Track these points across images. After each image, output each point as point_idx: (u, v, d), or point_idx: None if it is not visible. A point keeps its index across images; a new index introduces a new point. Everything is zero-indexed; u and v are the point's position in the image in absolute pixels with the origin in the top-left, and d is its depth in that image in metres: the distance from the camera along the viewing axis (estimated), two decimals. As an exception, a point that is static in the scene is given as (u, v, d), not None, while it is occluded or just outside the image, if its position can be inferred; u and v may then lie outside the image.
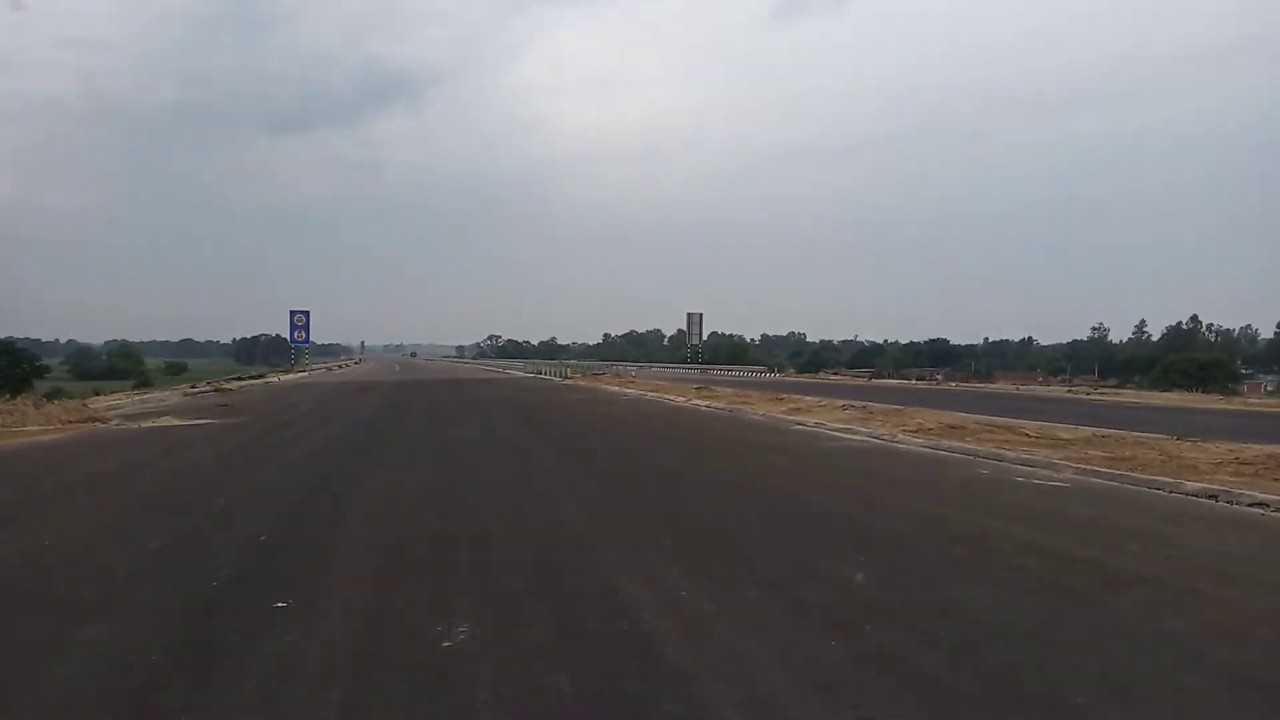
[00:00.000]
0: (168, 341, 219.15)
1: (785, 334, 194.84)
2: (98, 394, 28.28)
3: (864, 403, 17.71)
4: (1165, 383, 77.64)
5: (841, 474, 9.49)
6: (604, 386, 31.92)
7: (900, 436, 12.11)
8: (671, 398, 23.25)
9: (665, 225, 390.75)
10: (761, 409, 18.21)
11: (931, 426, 12.65)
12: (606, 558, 5.45)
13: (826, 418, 15.53)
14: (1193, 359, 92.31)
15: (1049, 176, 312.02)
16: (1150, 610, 4.37)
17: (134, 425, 16.14)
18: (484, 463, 10.29)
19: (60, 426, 15.98)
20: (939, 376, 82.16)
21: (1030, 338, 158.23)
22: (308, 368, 59.51)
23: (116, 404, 22.66)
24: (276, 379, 44.29)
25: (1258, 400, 35.57)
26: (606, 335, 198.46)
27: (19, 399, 17.37)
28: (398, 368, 76.36)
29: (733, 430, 14.40)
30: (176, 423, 16.57)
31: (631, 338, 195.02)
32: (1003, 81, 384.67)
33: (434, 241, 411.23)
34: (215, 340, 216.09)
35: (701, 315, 73.19)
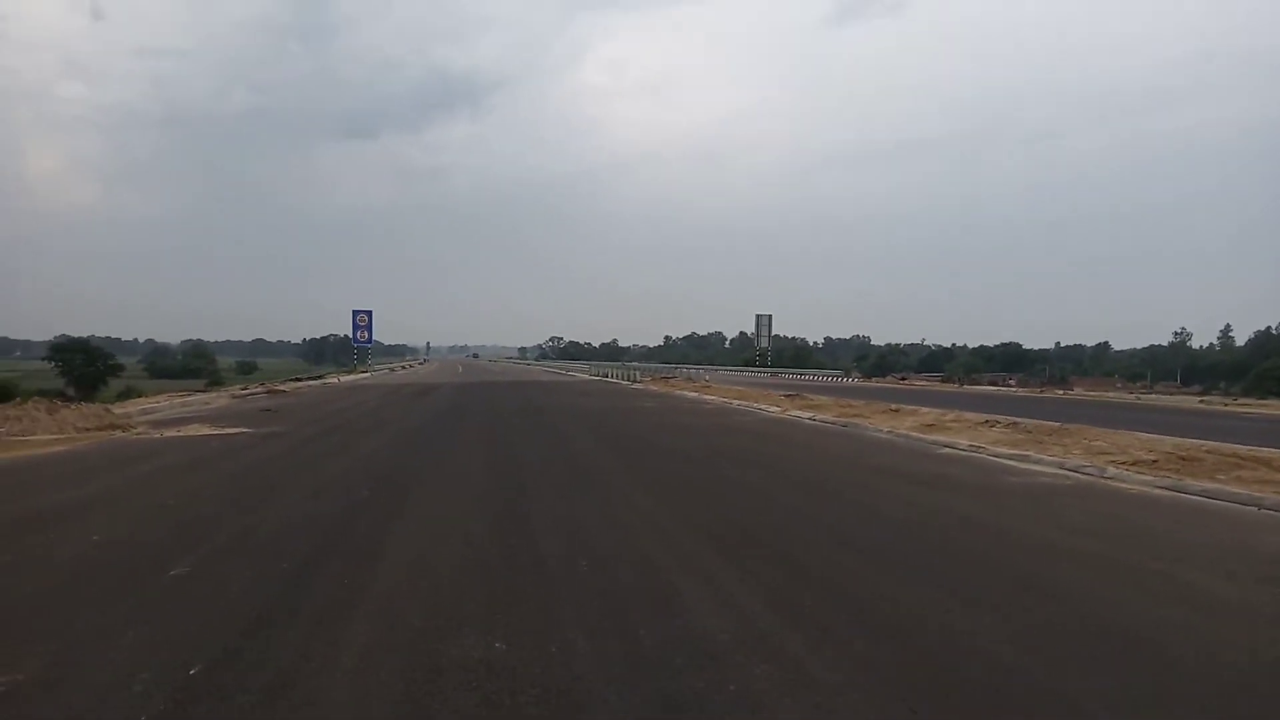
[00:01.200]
0: (240, 341, 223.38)
1: (849, 337, 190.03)
2: (140, 395, 26.24)
3: (1008, 418, 14.45)
4: (1260, 390, 72.35)
5: (1108, 542, 5.96)
6: (677, 391, 28.94)
7: (1112, 471, 8.87)
8: (762, 406, 20.18)
9: (726, 227, 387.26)
10: (881, 423, 15.07)
11: (1149, 457, 9.34)
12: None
13: (974, 438, 12.32)
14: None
15: (1124, 177, 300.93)
16: None
17: (157, 434, 14.03)
18: (559, 508, 7.28)
19: (74, 435, 13.79)
20: (1012, 382, 77.87)
21: (1105, 342, 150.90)
22: (370, 368, 57.64)
23: (154, 406, 20.52)
24: (336, 379, 42.41)
25: None
26: (667, 338, 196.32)
27: (30, 403, 15.05)
28: (460, 369, 74.42)
29: (865, 454, 11.25)
30: (206, 431, 14.41)
31: (693, 340, 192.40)
32: (1072, 81, 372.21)
33: (496, 245, 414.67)
34: (286, 340, 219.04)
35: (771, 317, 69.48)
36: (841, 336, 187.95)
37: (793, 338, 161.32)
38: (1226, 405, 29.17)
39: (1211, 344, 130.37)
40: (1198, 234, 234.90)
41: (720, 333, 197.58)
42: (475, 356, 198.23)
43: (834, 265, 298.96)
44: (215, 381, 62.92)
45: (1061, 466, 9.45)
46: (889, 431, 13.83)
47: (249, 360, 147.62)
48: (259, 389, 28.84)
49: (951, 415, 15.34)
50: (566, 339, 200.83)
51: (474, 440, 13.26)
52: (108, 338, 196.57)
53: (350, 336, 60.36)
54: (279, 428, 14.81)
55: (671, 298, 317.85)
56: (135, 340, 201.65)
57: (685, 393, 28.17)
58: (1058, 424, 13.63)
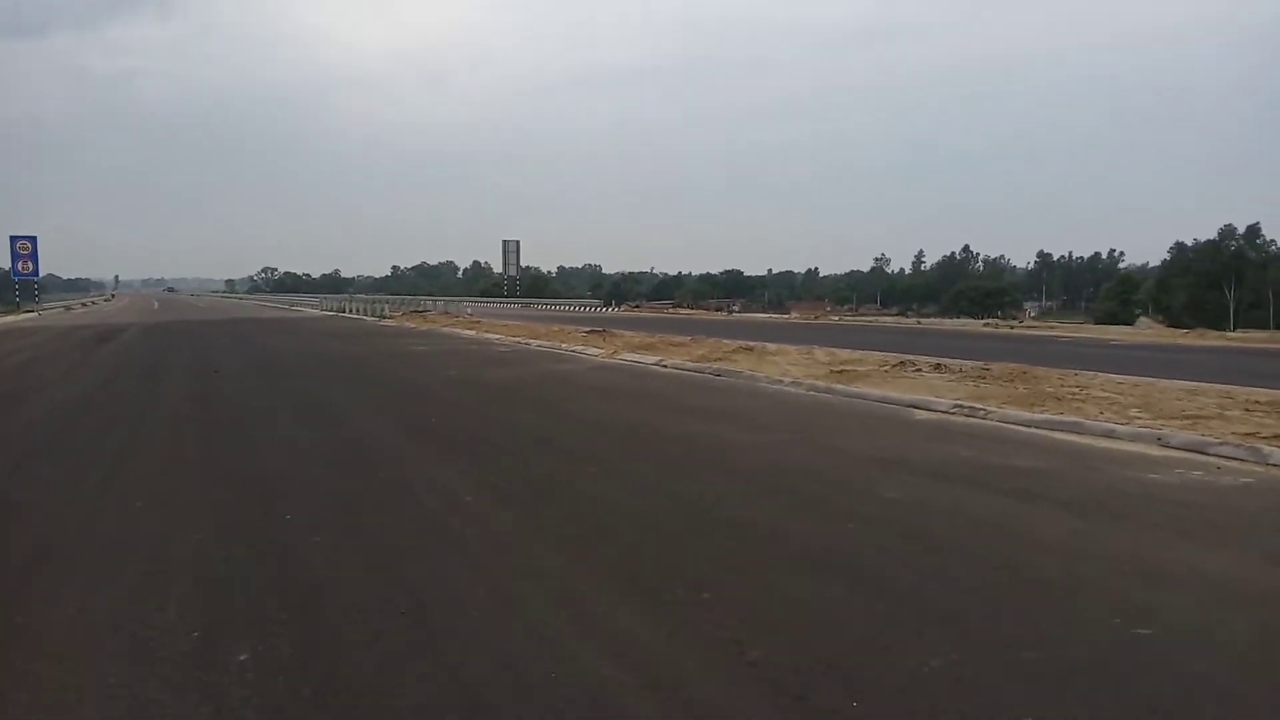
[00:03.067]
0: None
1: (580, 266, 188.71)
2: None
3: (899, 355, 11.33)
4: (955, 311, 79.47)
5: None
6: (444, 329, 23.76)
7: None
8: (576, 349, 15.72)
9: (453, 150, 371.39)
10: (764, 369, 11.34)
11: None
12: None
13: (936, 390, 8.94)
14: (979, 287, 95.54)
15: (838, 107, 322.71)
16: None
17: None
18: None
19: None
20: (735, 307, 79.46)
21: (815, 268, 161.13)
22: (37, 307, 45.78)
23: None
24: (-16, 323, 32.39)
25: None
26: (395, 268, 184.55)
27: None
28: (156, 305, 62.30)
29: (840, 433, 7.47)
30: None
31: (423, 270, 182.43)
32: (776, 18, 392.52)
33: (197, 165, 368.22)
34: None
35: (519, 243, 64.14)
36: (574, 266, 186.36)
37: (525, 266, 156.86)
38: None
39: (902, 269, 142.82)
40: (890, 166, 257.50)
41: (452, 262, 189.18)
42: (172, 290, 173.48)
43: (559, 194, 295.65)
44: None
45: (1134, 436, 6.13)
46: (794, 384, 10.06)
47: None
48: None
49: (846, 354, 12.04)
50: (282, 270, 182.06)
51: (182, 433, 7.81)
52: None
53: (10, 269, 47.95)
54: None
55: (397, 224, 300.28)
56: None
57: (457, 330, 23.05)
58: (982, 363, 10.64)
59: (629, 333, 18.70)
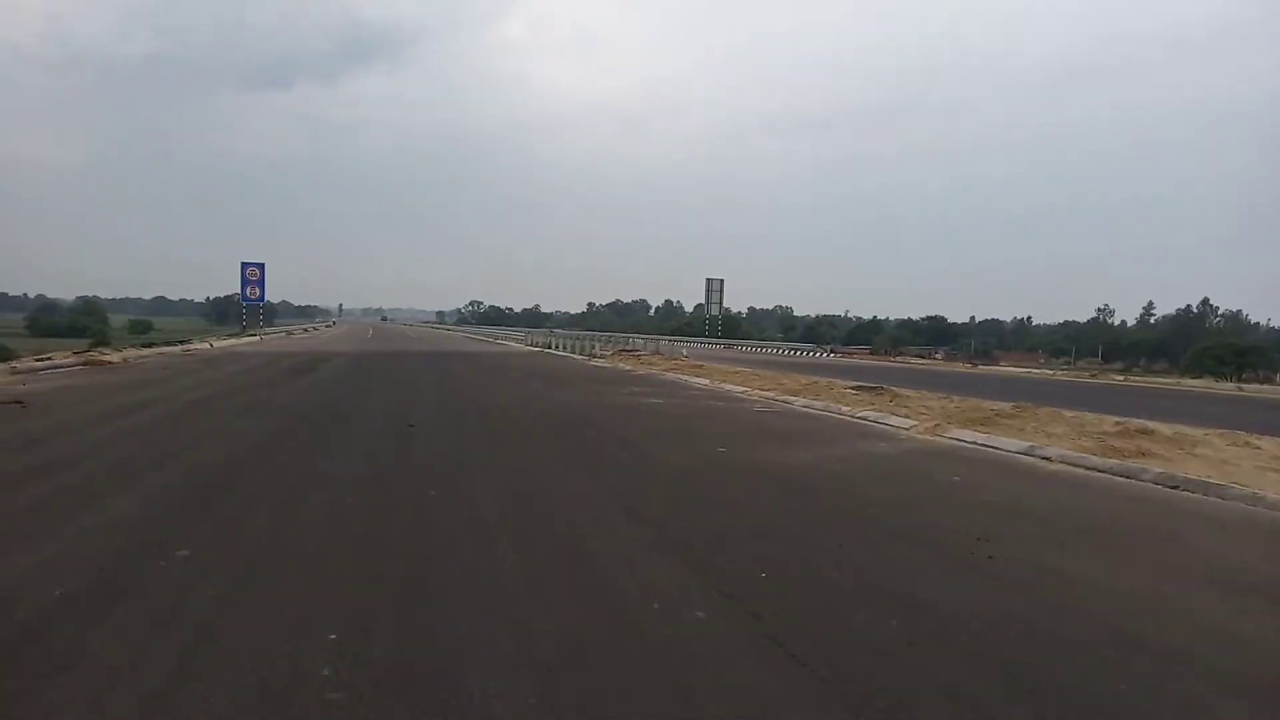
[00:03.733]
0: (140, 299, 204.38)
1: (771, 307, 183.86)
2: None
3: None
4: (1198, 369, 68.32)
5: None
6: (667, 374, 20.26)
7: None
8: (856, 413, 11.69)
9: (649, 194, 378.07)
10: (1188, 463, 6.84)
11: None
12: None
13: None
14: (1230, 344, 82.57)
15: (1048, 156, 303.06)
16: None
17: None
18: None
19: None
20: (938, 355, 72.67)
21: (1028, 317, 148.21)
22: (260, 331, 47.00)
23: None
24: (208, 345, 32.33)
25: None
26: (590, 304, 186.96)
27: None
28: (370, 333, 63.79)
29: None
30: None
31: (616, 307, 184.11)
32: (985, 55, 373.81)
33: (415, 204, 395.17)
34: (189, 299, 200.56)
35: (723, 282, 60.75)
36: (764, 307, 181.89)
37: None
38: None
39: (1125, 321, 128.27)
40: (1118, 215, 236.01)
41: (644, 300, 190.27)
42: (385, 319, 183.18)
43: (758, 235, 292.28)
44: (99, 341, 52.74)
45: None
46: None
47: (144, 319, 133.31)
48: (70, 358, 19.09)
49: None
50: (487, 303, 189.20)
51: (330, 551, 4.45)
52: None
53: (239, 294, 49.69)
54: None
55: (593, 262, 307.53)
56: (24, 296, 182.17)
57: (682, 376, 19.50)
58: None
59: (908, 391, 14.37)
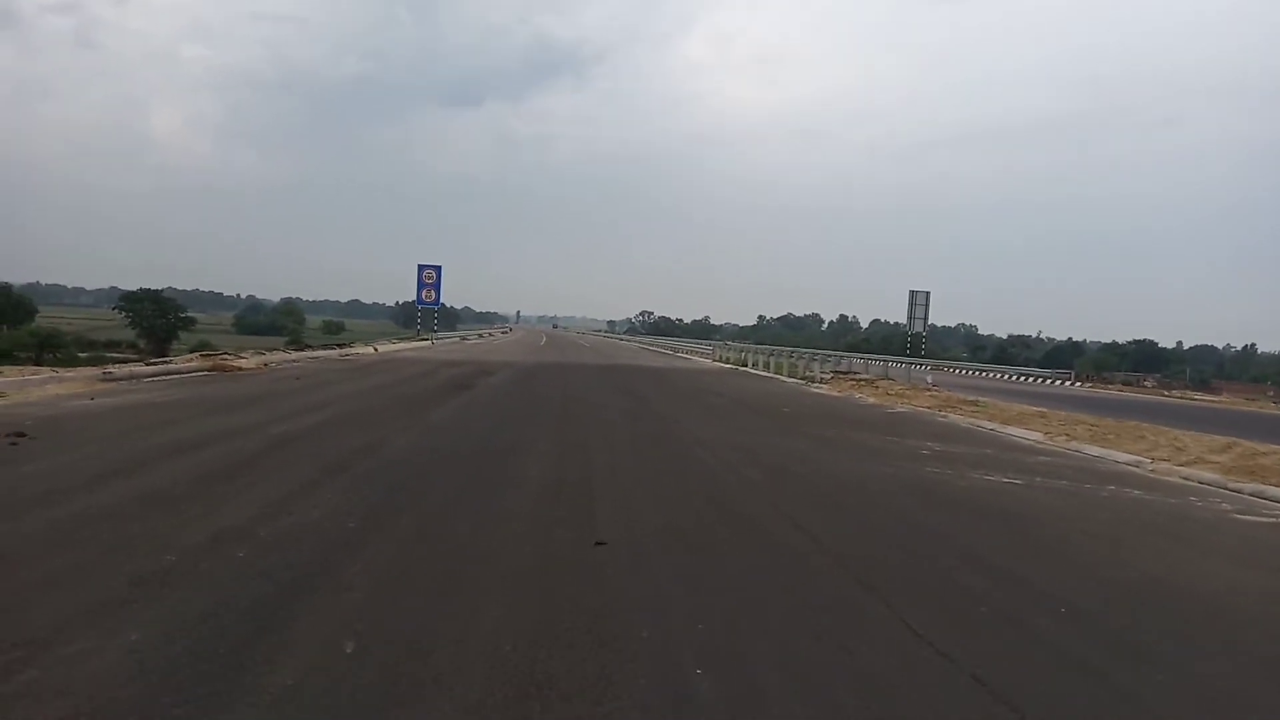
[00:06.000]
0: (336, 302, 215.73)
1: (954, 325, 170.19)
2: None
3: None
4: None
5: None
6: (950, 418, 14.37)
7: None
8: None
9: (822, 206, 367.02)
10: None
11: None
12: None
13: None
14: None
15: (1250, 166, 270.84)
16: None
17: None
18: None
19: None
20: (1148, 383, 61.84)
21: (1252, 344, 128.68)
22: (433, 336, 44.42)
23: None
24: (371, 350, 29.45)
25: None
26: (761, 317, 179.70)
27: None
28: (544, 341, 60.79)
29: None
30: None
31: (788, 321, 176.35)
32: (1189, 64, 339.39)
33: (593, 215, 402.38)
34: (380, 303, 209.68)
35: (929, 295, 52.71)
36: (945, 324, 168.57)
37: (893, 323, 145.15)
38: None
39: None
40: None
41: (817, 314, 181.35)
42: (556, 326, 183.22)
43: (933, 251, 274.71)
44: (294, 340, 52.78)
45: None
46: None
47: (338, 320, 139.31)
48: (196, 361, 15.81)
49: None
50: (656, 314, 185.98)
51: None
52: (210, 292, 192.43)
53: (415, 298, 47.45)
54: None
55: (763, 274, 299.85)
56: (236, 296, 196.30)
57: (981, 424, 13.47)
58: None
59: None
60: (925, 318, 57.22)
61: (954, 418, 13.83)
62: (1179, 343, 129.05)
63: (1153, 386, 50.23)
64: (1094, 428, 11.86)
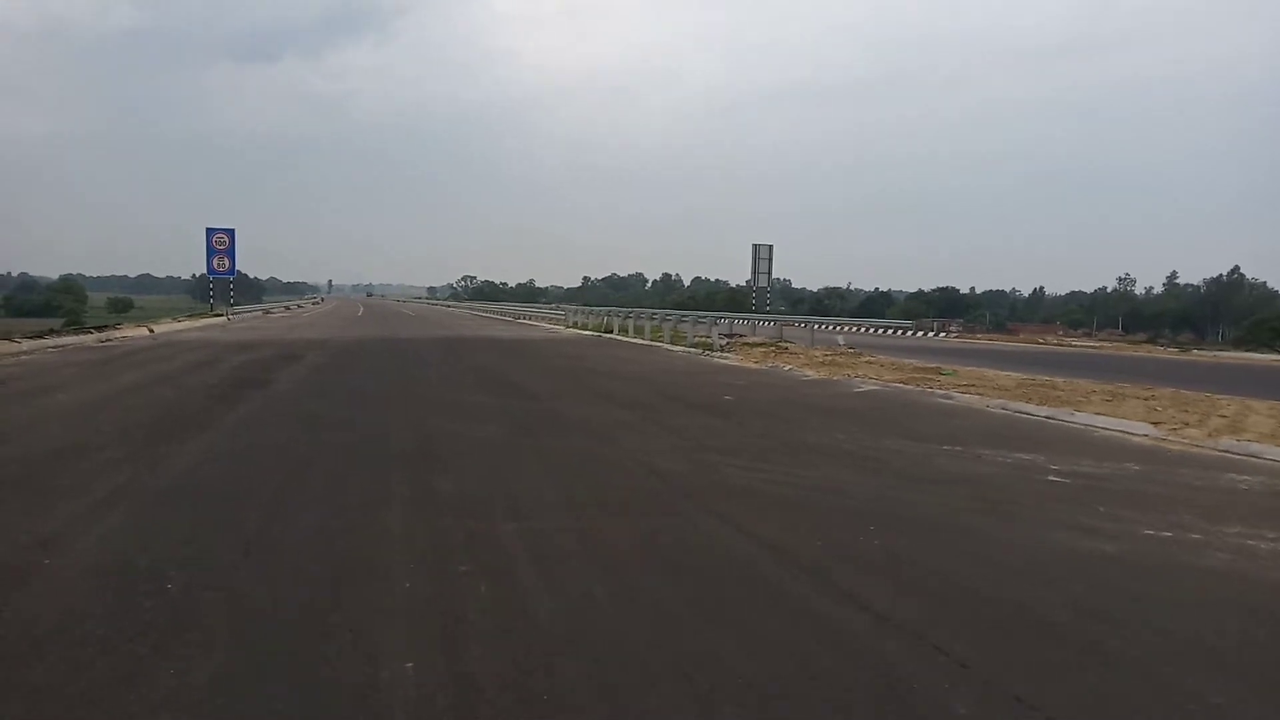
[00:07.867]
0: (125, 277, 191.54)
1: (775, 279, 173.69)
2: None
3: None
4: (1255, 341, 59.51)
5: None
6: (960, 399, 10.94)
7: None
8: None
9: (638, 166, 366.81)
10: None
11: None
12: None
13: None
14: (1292, 315, 73.24)
15: (1050, 123, 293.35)
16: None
17: None
18: None
19: None
20: (953, 328, 64.16)
21: (1040, 288, 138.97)
22: (229, 311, 37.10)
23: None
24: (146, 331, 23.00)
25: None
26: (586, 278, 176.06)
27: None
28: (360, 311, 53.68)
29: None
30: None
31: (612, 281, 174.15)
32: (977, 31, 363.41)
33: (403, 178, 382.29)
34: (174, 275, 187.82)
35: (772, 249, 50.70)
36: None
37: (714, 279, 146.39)
38: None
39: (1151, 288, 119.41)
40: (1131, 184, 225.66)
41: (640, 274, 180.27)
42: (370, 295, 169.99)
43: (748, 208, 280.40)
44: (73, 321, 43.08)
45: None
46: None
47: (125, 297, 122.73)
48: None
49: None
50: (480, 278, 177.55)
51: None
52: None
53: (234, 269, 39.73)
54: None
55: (585, 236, 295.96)
56: (9, 274, 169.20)
57: (976, 403, 10.17)
58: None
59: None
60: (770, 272, 56.07)
61: (961, 398, 10.31)
62: (972, 288, 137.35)
63: (956, 332, 47.87)
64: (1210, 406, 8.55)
